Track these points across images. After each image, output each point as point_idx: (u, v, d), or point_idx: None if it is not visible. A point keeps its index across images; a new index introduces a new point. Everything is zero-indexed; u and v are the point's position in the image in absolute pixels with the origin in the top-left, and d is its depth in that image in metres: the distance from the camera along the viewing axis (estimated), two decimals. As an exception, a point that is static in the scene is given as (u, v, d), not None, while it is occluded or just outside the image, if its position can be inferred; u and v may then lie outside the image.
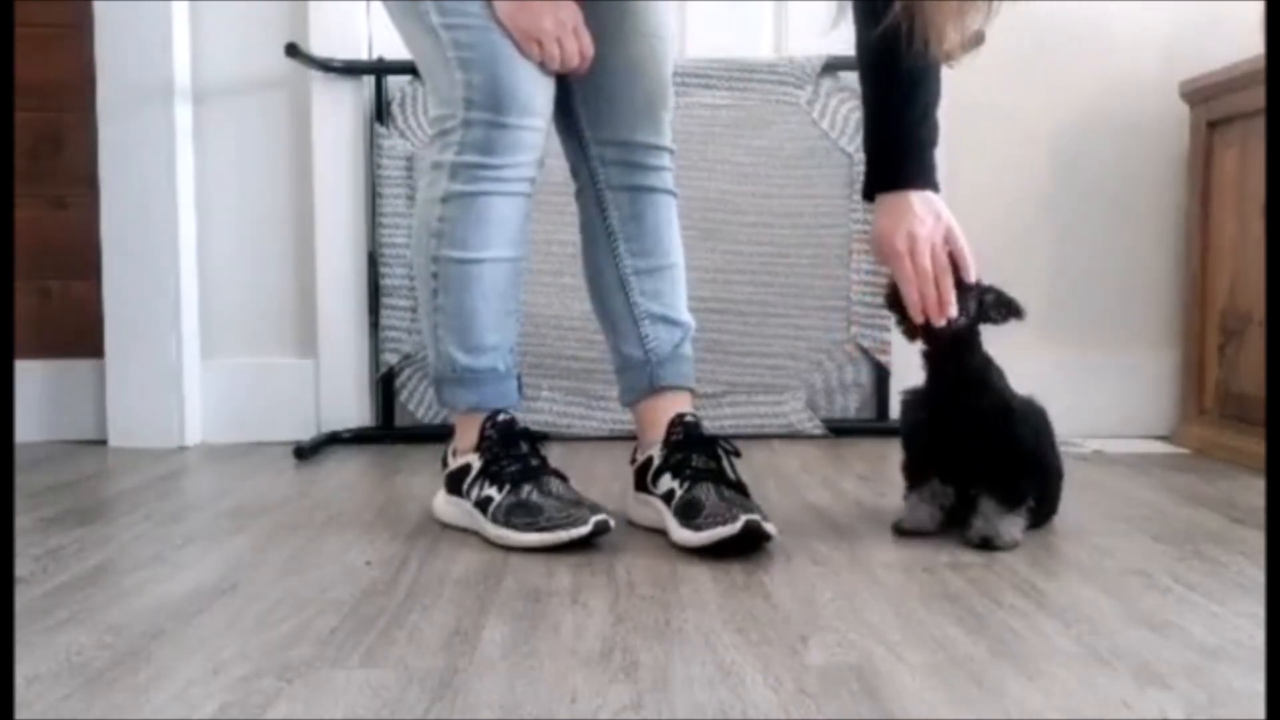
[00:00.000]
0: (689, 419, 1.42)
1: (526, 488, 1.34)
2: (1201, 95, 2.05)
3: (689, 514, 1.30)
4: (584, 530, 1.27)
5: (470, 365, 1.39)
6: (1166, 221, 2.22)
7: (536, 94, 1.35)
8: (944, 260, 1.30)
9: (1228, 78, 1.95)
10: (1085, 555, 1.27)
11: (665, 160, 1.47)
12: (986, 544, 1.28)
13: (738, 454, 1.41)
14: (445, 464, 1.45)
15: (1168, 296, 2.23)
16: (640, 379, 1.46)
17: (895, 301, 1.33)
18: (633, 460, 1.47)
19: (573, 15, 1.35)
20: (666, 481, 1.37)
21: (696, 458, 1.37)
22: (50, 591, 1.15)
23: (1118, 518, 1.47)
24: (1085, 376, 2.21)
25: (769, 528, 1.26)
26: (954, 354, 1.33)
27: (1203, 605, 1.08)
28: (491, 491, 1.35)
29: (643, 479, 1.42)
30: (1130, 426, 2.20)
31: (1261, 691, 0.86)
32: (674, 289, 1.49)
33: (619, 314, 1.47)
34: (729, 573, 1.20)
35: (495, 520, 1.33)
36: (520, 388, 1.46)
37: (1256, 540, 1.35)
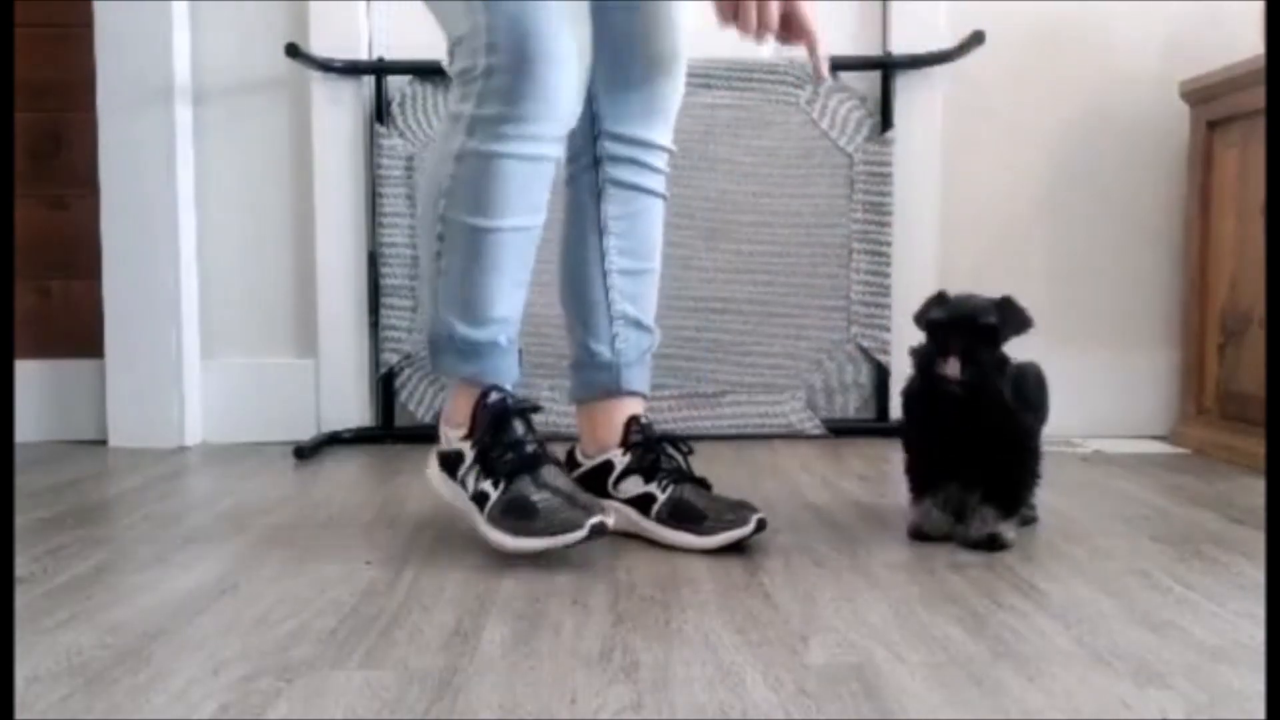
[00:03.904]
0: (644, 421, 1.41)
1: (522, 481, 1.27)
2: (1201, 95, 2.05)
3: (686, 518, 1.30)
4: (579, 535, 1.20)
5: (470, 337, 1.31)
6: (1166, 221, 2.22)
7: (566, 37, 1.23)
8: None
9: (1228, 78, 1.95)
10: (1085, 555, 1.27)
11: (665, 163, 1.46)
12: (993, 542, 1.28)
13: (692, 451, 1.41)
14: (439, 435, 1.39)
15: (1168, 296, 2.23)
16: (604, 379, 1.43)
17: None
18: (574, 463, 1.44)
19: None
20: (636, 485, 1.36)
21: (664, 459, 1.37)
22: (50, 591, 1.15)
23: (1118, 518, 1.47)
24: (1085, 376, 2.20)
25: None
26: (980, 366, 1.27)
27: (1203, 605, 1.08)
28: (486, 486, 1.28)
29: (598, 483, 1.40)
30: (1130, 426, 2.20)
31: (1261, 691, 0.86)
32: (650, 295, 1.47)
33: (594, 310, 1.43)
34: (729, 573, 1.20)
35: (491, 520, 1.27)
36: (521, 362, 1.37)
37: (1256, 540, 1.35)
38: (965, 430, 1.29)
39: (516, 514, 1.25)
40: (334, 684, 0.89)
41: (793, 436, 2.18)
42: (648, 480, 1.36)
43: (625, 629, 1.01)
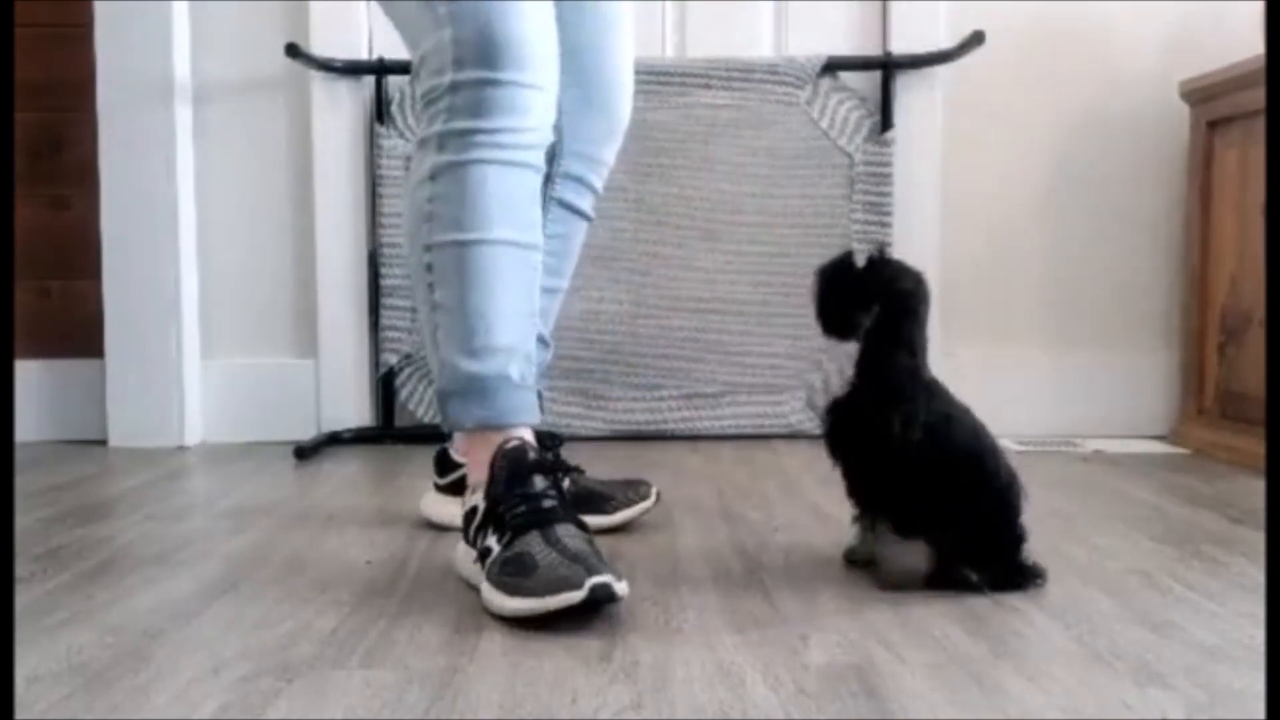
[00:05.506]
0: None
1: (529, 537, 1.09)
2: (1201, 95, 2.05)
3: (587, 503, 1.35)
4: (576, 597, 1.01)
5: (476, 372, 1.18)
6: (1166, 221, 2.22)
7: (536, 45, 1.17)
8: None
9: (1228, 78, 1.95)
10: (1085, 555, 1.27)
11: (601, 185, 1.48)
12: (891, 583, 1.13)
13: (562, 443, 1.43)
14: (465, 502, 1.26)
15: (1168, 296, 2.23)
16: None
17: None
18: (453, 463, 1.42)
19: None
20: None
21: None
22: (50, 591, 1.15)
23: (1118, 518, 1.47)
24: (1085, 376, 2.20)
25: None
26: (867, 359, 1.13)
27: (1203, 605, 1.08)
28: (492, 541, 1.12)
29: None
30: (1130, 426, 2.20)
31: (1261, 691, 0.86)
32: (556, 310, 1.49)
33: None
34: (729, 573, 1.20)
35: (489, 577, 1.10)
36: (543, 408, 1.25)
37: (1256, 540, 1.35)
38: (846, 444, 1.14)
39: (514, 570, 1.07)
40: (334, 684, 0.89)
41: (793, 436, 2.18)
42: None
43: (625, 629, 1.01)
